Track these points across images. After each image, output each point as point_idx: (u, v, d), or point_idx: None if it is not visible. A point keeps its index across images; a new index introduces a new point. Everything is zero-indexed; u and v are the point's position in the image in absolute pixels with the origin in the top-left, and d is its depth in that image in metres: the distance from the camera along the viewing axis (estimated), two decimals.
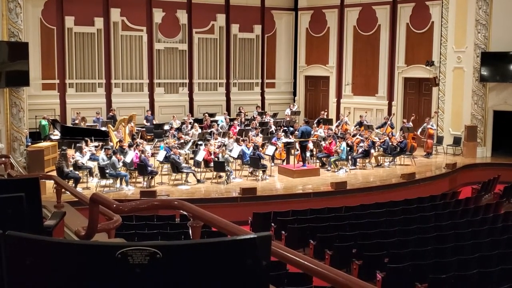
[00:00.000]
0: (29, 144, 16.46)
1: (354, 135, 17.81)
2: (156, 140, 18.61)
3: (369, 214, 11.58)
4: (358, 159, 16.96)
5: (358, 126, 19.67)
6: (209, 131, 18.30)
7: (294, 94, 25.02)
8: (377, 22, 22.09)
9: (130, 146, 15.21)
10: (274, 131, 19.10)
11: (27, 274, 1.48)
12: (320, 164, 16.90)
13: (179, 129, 18.42)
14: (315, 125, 19.47)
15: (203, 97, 22.91)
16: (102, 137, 17.43)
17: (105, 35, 20.90)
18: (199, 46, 22.72)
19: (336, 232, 10.17)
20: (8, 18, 15.29)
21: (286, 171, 15.94)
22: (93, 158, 15.13)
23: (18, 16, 15.52)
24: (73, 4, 20.19)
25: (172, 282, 1.44)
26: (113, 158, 14.00)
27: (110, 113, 19.97)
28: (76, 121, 18.67)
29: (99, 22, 20.73)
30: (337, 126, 20.20)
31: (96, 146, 16.47)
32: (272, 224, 11.40)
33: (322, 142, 17.34)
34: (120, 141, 16.19)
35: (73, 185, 13.35)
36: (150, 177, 14.43)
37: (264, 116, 21.23)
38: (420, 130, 19.13)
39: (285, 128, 19.84)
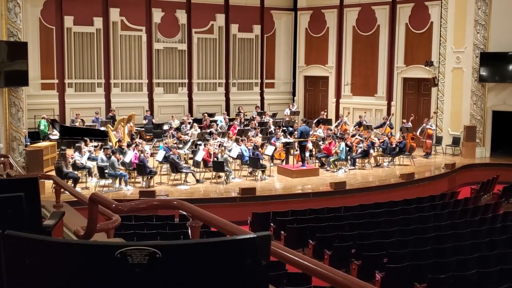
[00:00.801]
0: (28, 144, 16.44)
1: (353, 135, 17.82)
2: (155, 140, 18.61)
3: (368, 214, 11.58)
4: (357, 159, 16.97)
5: (357, 126, 19.68)
6: (208, 131, 18.28)
7: (294, 94, 25.03)
8: (377, 22, 22.10)
9: (128, 145, 15.19)
10: (273, 131, 19.10)
11: (26, 274, 1.48)
12: (319, 164, 16.90)
13: (178, 129, 18.41)
14: (315, 125, 19.48)
15: (203, 97, 22.91)
16: (101, 137, 17.42)
17: (104, 35, 20.89)
18: (199, 46, 22.72)
19: (335, 232, 10.18)
20: (7, 18, 15.28)
21: (285, 171, 15.94)
22: (92, 158, 15.13)
23: (17, 16, 15.51)
24: (72, 4, 20.17)
25: (172, 282, 1.44)
26: (112, 158, 13.99)
27: (110, 114, 19.95)
28: (76, 124, 18.65)
29: (98, 22, 20.71)
30: (336, 126, 20.21)
31: (95, 146, 16.46)
32: (272, 224, 11.40)
33: (321, 142, 17.34)
34: (119, 141, 16.18)
35: (72, 185, 13.34)
36: (149, 177, 14.42)
37: (263, 116, 21.23)
38: (419, 130, 19.15)
39: (285, 128, 19.85)
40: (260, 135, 18.13)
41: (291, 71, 24.99)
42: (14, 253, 1.49)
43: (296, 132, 17.10)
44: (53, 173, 13.25)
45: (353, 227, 10.56)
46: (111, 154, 14.08)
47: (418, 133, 19.11)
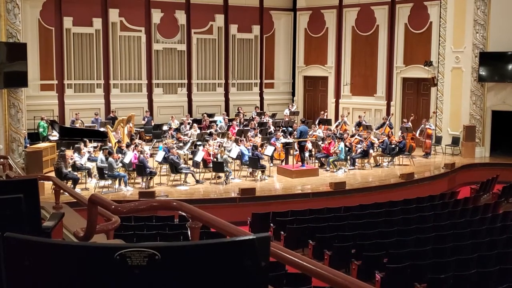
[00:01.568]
0: (28, 145, 16.43)
1: (352, 136, 17.82)
2: (155, 140, 18.61)
3: (368, 214, 11.58)
4: (357, 159, 16.98)
5: (356, 126, 19.69)
6: (208, 131, 18.29)
7: (293, 94, 25.03)
8: (376, 22, 22.11)
9: (128, 146, 15.18)
10: (273, 132, 19.10)
11: (25, 276, 1.48)
12: (319, 165, 16.91)
13: (177, 130, 18.41)
14: (316, 126, 19.54)
15: (202, 98, 22.91)
16: (101, 138, 17.41)
17: (104, 36, 20.89)
18: (198, 47, 22.72)
19: (335, 232, 10.18)
20: (6, 19, 15.28)
21: (285, 172, 15.94)
22: (91, 159, 15.12)
23: (16, 17, 15.51)
24: (72, 5, 20.17)
25: (171, 284, 1.44)
26: (110, 159, 13.97)
27: (111, 114, 19.93)
28: (77, 125, 18.64)
29: (97, 22, 20.71)
30: (336, 126, 20.22)
31: (94, 147, 16.45)
32: (271, 224, 11.40)
33: (321, 142, 17.34)
34: (119, 141, 16.18)
35: (72, 186, 13.34)
36: (148, 178, 14.42)
37: (263, 117, 21.24)
38: (418, 131, 19.16)
39: (284, 128, 19.85)
40: (259, 135, 18.13)
41: (291, 71, 25.00)
42: (14, 255, 1.49)
43: (295, 132, 17.10)
44: (52, 174, 13.24)
45: (353, 227, 10.56)
46: (108, 155, 14.06)
47: (417, 134, 19.13)
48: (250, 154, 15.54)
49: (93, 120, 19.32)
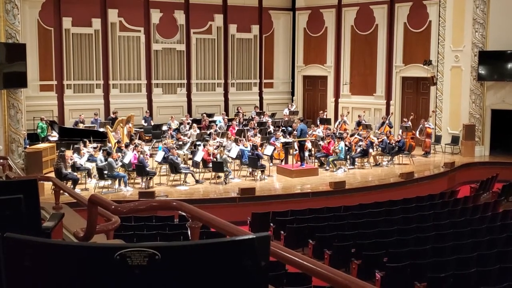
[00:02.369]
0: (27, 145, 16.42)
1: (352, 135, 17.81)
2: (154, 140, 18.60)
3: (368, 214, 11.59)
4: (356, 159, 16.98)
5: (356, 125, 19.70)
6: (207, 131, 18.29)
7: (292, 94, 25.03)
8: (375, 21, 22.11)
9: (126, 146, 15.18)
10: (272, 131, 19.10)
11: (25, 276, 1.48)
12: (319, 164, 16.91)
13: (177, 130, 18.40)
14: (318, 125, 19.54)
15: (201, 98, 22.91)
16: (100, 138, 17.41)
17: (103, 36, 20.89)
18: (197, 47, 22.72)
19: (335, 231, 10.18)
20: (5, 20, 15.26)
21: (284, 171, 15.94)
22: (91, 159, 15.12)
23: (15, 18, 15.49)
24: (71, 5, 20.16)
25: (171, 283, 1.44)
26: (109, 159, 13.96)
27: (112, 115, 19.88)
28: (81, 126, 18.61)
29: (96, 23, 20.70)
30: (336, 126, 20.23)
31: (94, 147, 16.45)
32: (271, 224, 11.40)
33: (321, 142, 17.34)
34: (119, 142, 16.18)
35: (72, 186, 13.33)
36: (148, 178, 14.41)
37: (262, 116, 21.24)
38: (418, 131, 19.17)
39: (284, 128, 19.85)
40: (259, 135, 18.13)
41: (290, 71, 25.00)
42: (14, 255, 1.49)
43: (295, 132, 17.10)
44: (52, 174, 13.23)
45: (352, 227, 10.56)
46: (107, 155, 14.05)
47: (417, 134, 19.13)
48: (250, 153, 15.51)
49: (93, 121, 19.31)
